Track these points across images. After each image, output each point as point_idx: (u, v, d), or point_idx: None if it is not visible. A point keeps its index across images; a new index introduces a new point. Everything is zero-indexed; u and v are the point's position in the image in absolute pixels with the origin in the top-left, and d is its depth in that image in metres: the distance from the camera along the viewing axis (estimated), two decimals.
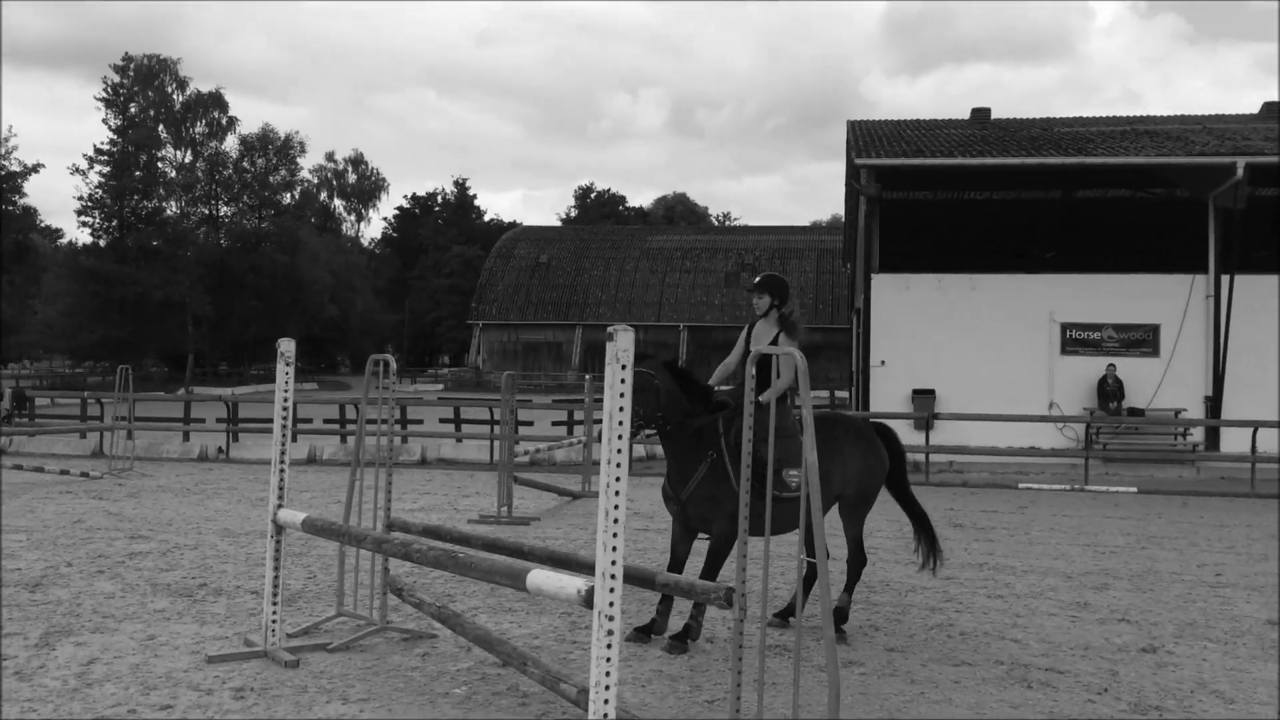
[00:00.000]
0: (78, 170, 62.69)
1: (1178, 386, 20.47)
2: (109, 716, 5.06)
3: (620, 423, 3.94)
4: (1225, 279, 20.34)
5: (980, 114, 29.85)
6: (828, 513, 6.69)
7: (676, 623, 6.77)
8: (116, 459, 17.64)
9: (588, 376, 12.19)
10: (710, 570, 6.50)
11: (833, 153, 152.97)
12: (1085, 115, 29.77)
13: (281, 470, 6.40)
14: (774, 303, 6.97)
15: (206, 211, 72.29)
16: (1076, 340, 21.05)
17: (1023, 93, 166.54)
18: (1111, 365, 20.43)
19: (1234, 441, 19.02)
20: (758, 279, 7.11)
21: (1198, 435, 20.37)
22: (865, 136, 24.64)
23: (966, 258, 27.69)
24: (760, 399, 6.72)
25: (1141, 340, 20.85)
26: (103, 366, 61.03)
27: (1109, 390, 20.26)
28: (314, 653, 6.25)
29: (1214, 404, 20.28)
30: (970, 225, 30.26)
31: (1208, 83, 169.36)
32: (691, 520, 6.64)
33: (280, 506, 6.37)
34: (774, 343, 6.86)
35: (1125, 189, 27.74)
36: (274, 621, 6.23)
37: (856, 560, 7.28)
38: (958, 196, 29.75)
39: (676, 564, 6.72)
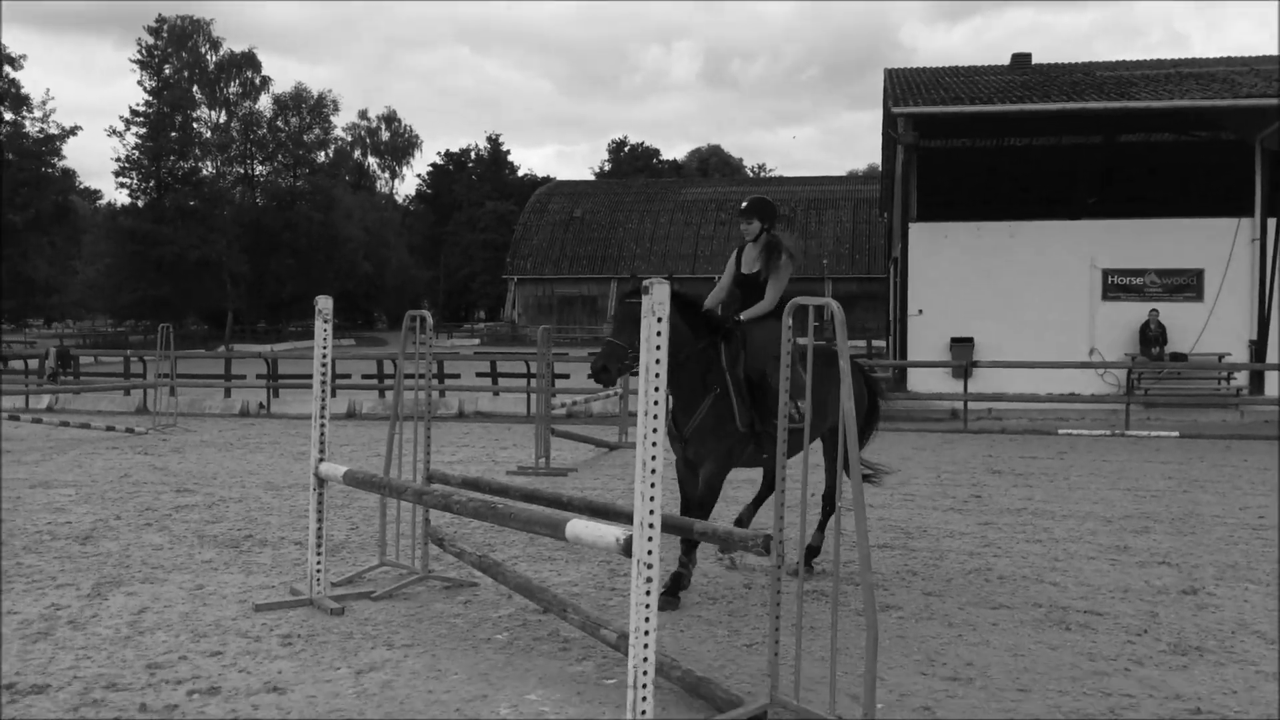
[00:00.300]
0: (115, 132, 63.23)
1: (1222, 331, 20.18)
2: (161, 663, 5.19)
3: (657, 375, 3.96)
4: (1272, 222, 19.94)
5: (1020, 59, 29.29)
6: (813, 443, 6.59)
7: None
8: (160, 415, 17.93)
9: None
10: (704, 512, 6.32)
11: (869, 102, 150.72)
12: (1128, 59, 29.11)
13: (322, 425, 6.48)
14: (764, 226, 6.85)
15: (242, 171, 72.68)
16: (1118, 286, 20.77)
17: (1064, 37, 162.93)
18: (1154, 310, 20.17)
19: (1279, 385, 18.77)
20: (745, 204, 6.94)
21: (1241, 379, 20.11)
22: (903, 84, 24.27)
23: (1006, 205, 27.32)
24: (740, 317, 6.70)
25: (1185, 285, 20.54)
26: (144, 325, 61.84)
27: (1151, 335, 20.02)
28: (358, 601, 6.37)
29: (1259, 348, 19.99)
30: (1010, 172, 29.82)
31: (1256, 25, 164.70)
32: (691, 456, 6.47)
33: (322, 460, 6.45)
34: (763, 267, 6.75)
35: (1169, 133, 27.18)
36: (318, 571, 6.35)
37: (834, 496, 7.23)
38: (997, 144, 29.30)
39: (686, 502, 6.53)
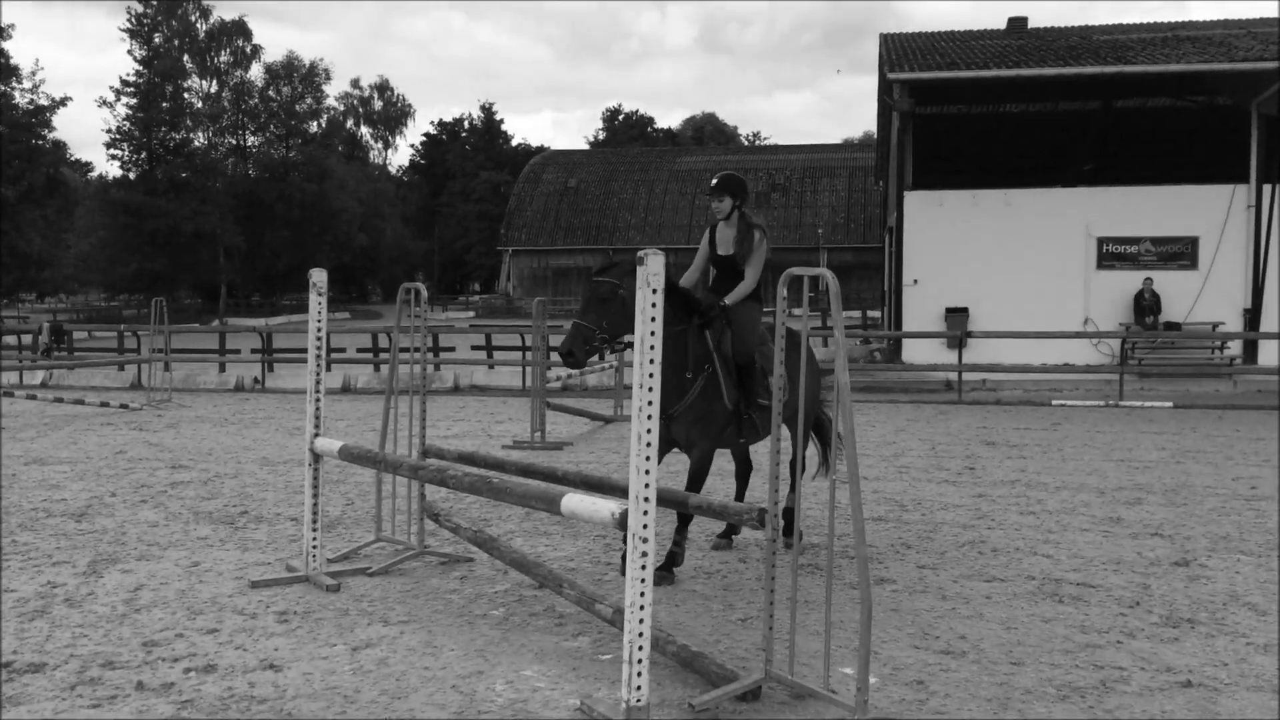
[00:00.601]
0: (105, 103, 62.67)
1: (1216, 299, 20.20)
2: (157, 640, 5.21)
3: (652, 347, 3.94)
4: (1267, 188, 19.91)
5: (1017, 23, 29.12)
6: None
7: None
8: (155, 390, 17.91)
9: None
10: (695, 489, 6.27)
11: (865, 68, 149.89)
12: (1126, 22, 28.94)
13: (317, 400, 6.47)
14: (736, 204, 6.69)
15: (234, 142, 72.19)
16: (1113, 254, 20.76)
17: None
18: (1149, 279, 20.17)
19: (1273, 354, 18.80)
20: (715, 180, 6.75)
21: (1235, 348, 20.15)
22: (898, 50, 24.12)
23: (1002, 173, 27.24)
24: (725, 301, 6.63)
25: (1180, 253, 20.53)
26: (137, 299, 61.66)
27: (1145, 304, 20.03)
28: (354, 577, 6.38)
29: (1253, 316, 20.02)
30: (1006, 139, 29.72)
31: None
32: (676, 437, 6.37)
33: (317, 435, 6.45)
34: (740, 249, 6.65)
35: (1166, 98, 27.08)
36: (314, 547, 6.35)
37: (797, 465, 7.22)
38: (993, 110, 29.18)
39: None
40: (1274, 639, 5.28)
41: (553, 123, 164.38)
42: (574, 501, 4.43)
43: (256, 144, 73.22)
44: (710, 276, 6.92)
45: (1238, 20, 27.06)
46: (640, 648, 3.95)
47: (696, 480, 6.37)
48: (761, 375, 6.42)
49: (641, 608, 3.94)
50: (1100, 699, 4.51)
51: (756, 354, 6.46)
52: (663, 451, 6.47)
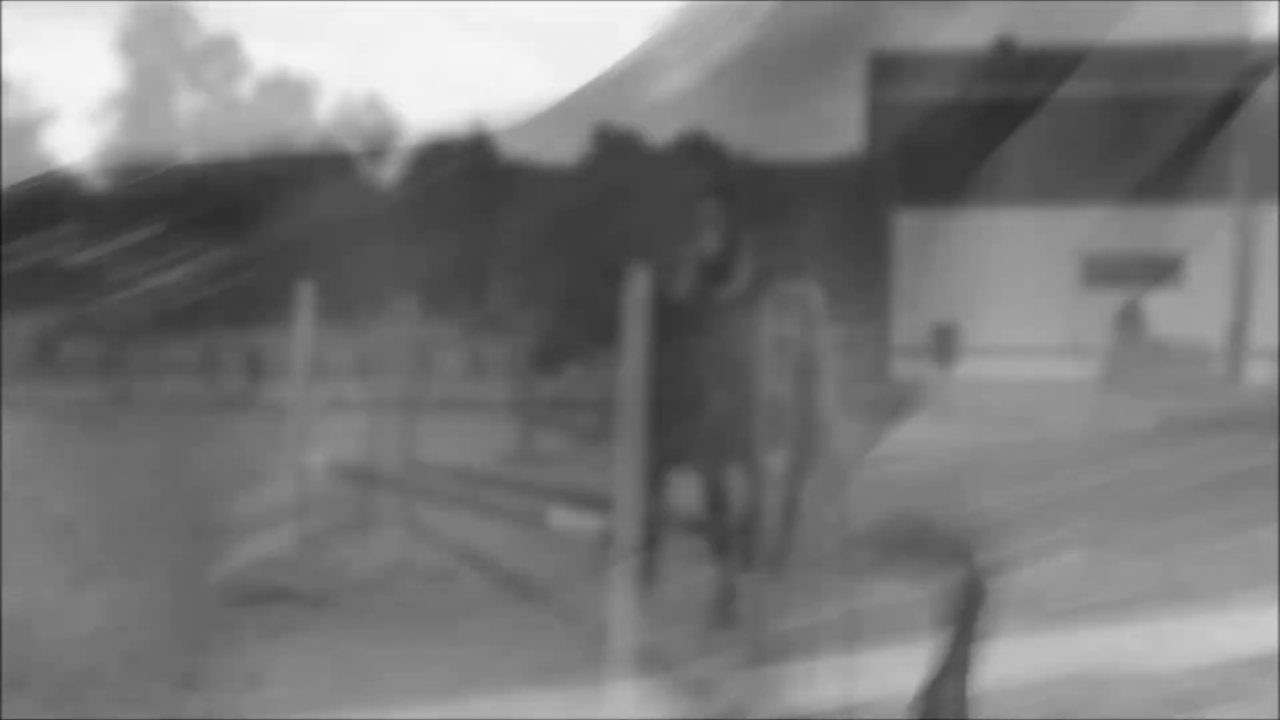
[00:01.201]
0: (92, 118, 62.82)
1: (1203, 316, 20.27)
2: (143, 655, 5.16)
3: (639, 362, 3.94)
4: (1253, 206, 20.03)
5: (1006, 40, 29.29)
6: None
7: None
8: (143, 402, 17.79)
9: None
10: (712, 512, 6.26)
11: (854, 85, 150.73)
12: (1118, 40, 29.12)
13: (305, 414, 6.44)
14: (725, 209, 6.70)
15: (223, 156, 72.26)
16: (1100, 272, 20.84)
17: (1055, 14, 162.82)
18: (1135, 295, 20.25)
19: (1259, 372, 18.89)
20: (704, 185, 6.83)
21: (1222, 366, 20.24)
22: (887, 68, 24.25)
23: (991, 191, 27.33)
24: (718, 304, 6.53)
25: (1167, 270, 20.63)
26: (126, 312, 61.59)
27: (1132, 322, 20.11)
28: (340, 592, 6.32)
29: (1239, 334, 20.11)
30: (995, 157, 29.85)
31: None
32: (673, 453, 6.05)
33: (304, 449, 6.42)
34: (727, 250, 6.63)
35: (1155, 114, 27.23)
36: (301, 562, 6.32)
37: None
38: (983, 127, 29.30)
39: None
40: (1273, 661, 5.27)
41: (545, 139, 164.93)
42: (562, 516, 4.42)
43: (245, 159, 73.28)
44: (698, 282, 6.85)
45: (1227, 36, 27.27)
46: (628, 665, 3.93)
47: (704, 501, 6.30)
48: (751, 388, 6.35)
49: (629, 625, 3.93)
50: (1090, 714, 4.50)
51: (753, 362, 6.37)
52: (661, 469, 6.36)
